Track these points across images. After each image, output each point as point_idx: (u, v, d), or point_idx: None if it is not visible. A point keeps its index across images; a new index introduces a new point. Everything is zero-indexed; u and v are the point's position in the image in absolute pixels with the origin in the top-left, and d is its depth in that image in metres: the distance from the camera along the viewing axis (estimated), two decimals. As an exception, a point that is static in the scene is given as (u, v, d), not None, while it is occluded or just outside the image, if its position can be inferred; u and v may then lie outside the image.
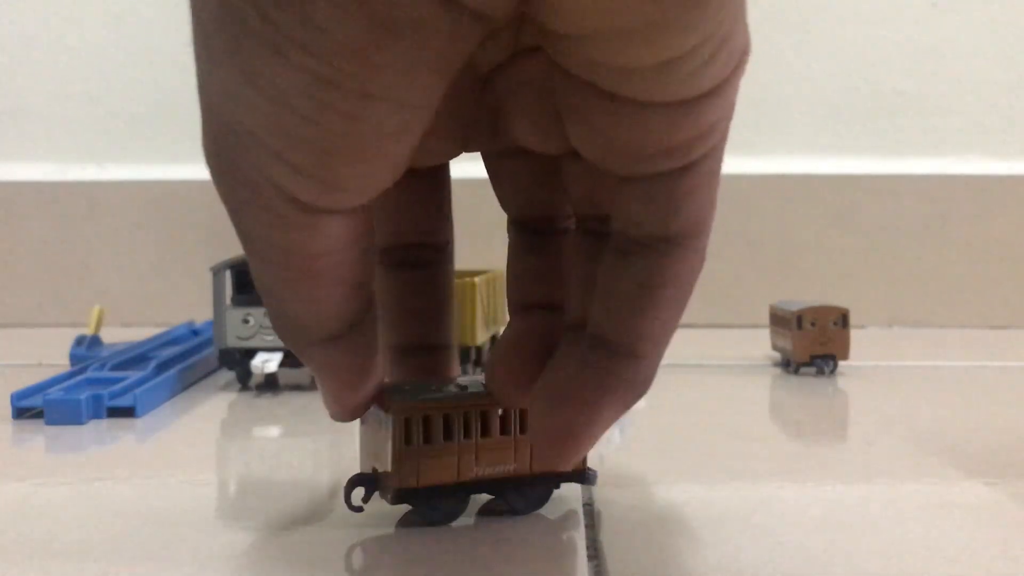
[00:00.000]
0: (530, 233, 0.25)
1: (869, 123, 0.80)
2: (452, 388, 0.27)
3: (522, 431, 0.27)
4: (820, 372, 0.52)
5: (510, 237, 0.26)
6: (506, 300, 0.26)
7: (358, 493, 0.27)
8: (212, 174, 0.19)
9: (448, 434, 0.26)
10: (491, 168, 0.25)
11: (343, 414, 0.25)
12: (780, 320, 0.54)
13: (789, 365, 0.53)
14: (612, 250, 0.21)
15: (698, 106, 0.18)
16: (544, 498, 0.29)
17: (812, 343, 0.52)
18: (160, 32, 0.82)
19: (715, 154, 0.19)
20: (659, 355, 0.21)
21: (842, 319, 0.52)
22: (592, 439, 0.22)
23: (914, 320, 0.78)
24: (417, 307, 0.26)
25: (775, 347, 0.56)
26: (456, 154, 0.23)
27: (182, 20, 0.72)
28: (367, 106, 0.16)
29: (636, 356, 0.21)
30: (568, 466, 0.22)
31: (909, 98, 0.80)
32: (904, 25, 0.80)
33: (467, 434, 0.27)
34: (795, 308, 0.52)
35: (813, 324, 0.52)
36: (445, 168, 0.25)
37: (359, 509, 0.27)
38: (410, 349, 0.27)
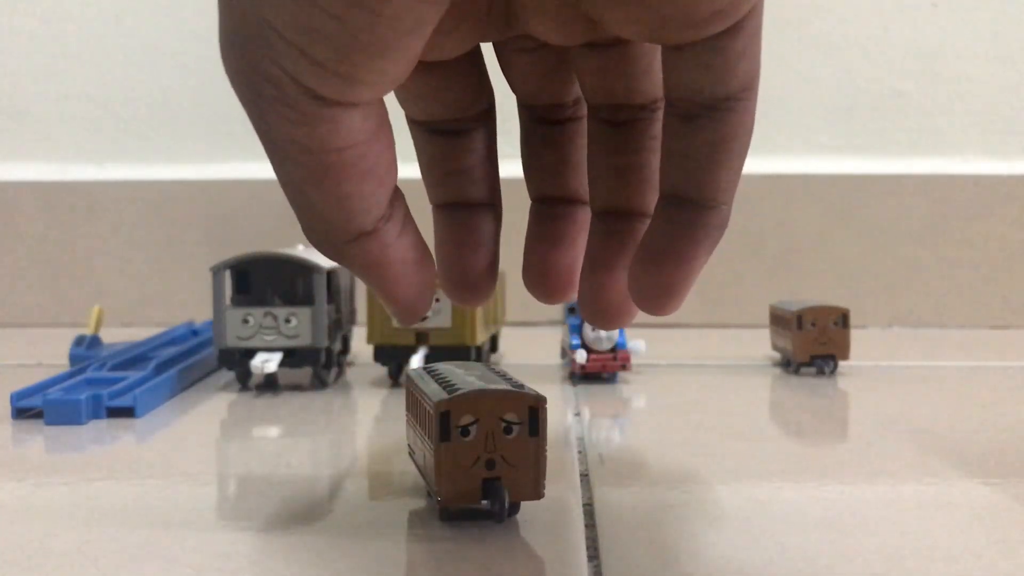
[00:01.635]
0: (541, 123, 0.26)
1: (869, 123, 0.80)
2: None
3: None
4: (820, 372, 0.52)
5: (521, 124, 0.26)
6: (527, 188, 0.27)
7: None
8: (230, 72, 0.20)
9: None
10: (503, 59, 0.25)
11: (403, 314, 0.25)
12: (780, 320, 0.54)
13: (789, 365, 0.53)
14: (675, 117, 0.23)
15: (722, 47, 0.20)
16: None
17: (812, 343, 0.52)
18: (160, 32, 0.82)
19: (757, 12, 0.21)
20: (733, 199, 0.24)
21: (842, 319, 0.52)
22: (690, 287, 0.24)
23: (914, 320, 0.78)
24: (455, 167, 0.26)
25: (775, 347, 0.56)
26: (470, 46, 0.24)
27: (182, 20, 0.72)
28: (388, 2, 0.17)
29: (717, 204, 0.23)
30: (671, 313, 0.24)
31: (909, 98, 0.80)
32: (904, 25, 0.80)
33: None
34: (795, 308, 0.52)
35: (813, 324, 0.52)
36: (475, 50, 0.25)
37: None
38: (450, 207, 0.26)
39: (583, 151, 0.26)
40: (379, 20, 0.18)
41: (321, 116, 0.19)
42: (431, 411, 0.26)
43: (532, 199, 0.27)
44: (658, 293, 0.24)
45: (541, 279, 0.26)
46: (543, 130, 0.26)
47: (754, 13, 0.21)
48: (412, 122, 0.26)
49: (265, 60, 0.19)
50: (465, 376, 0.28)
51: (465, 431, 0.26)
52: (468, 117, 0.26)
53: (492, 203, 0.26)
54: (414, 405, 0.30)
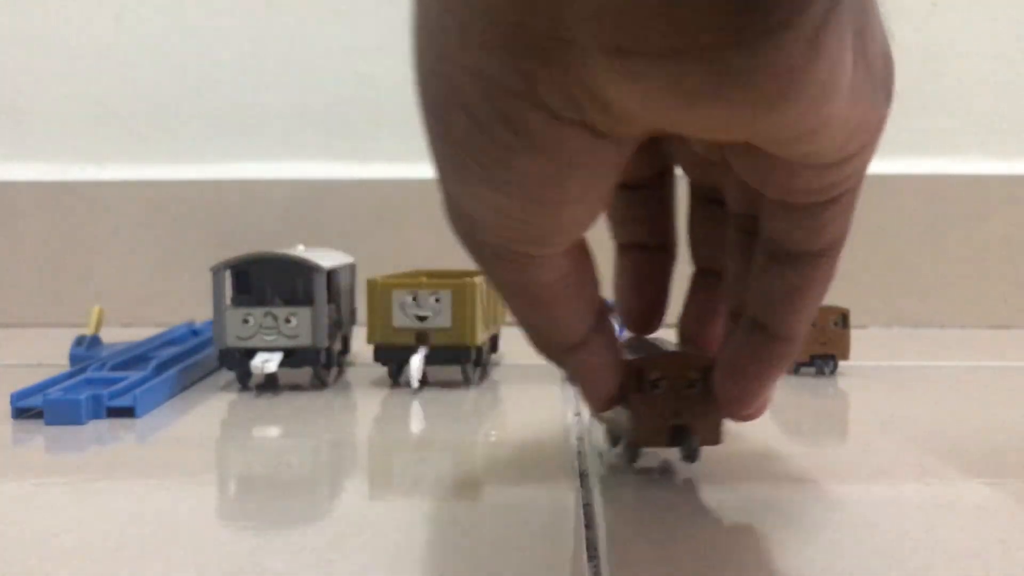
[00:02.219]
0: (635, 189, 0.31)
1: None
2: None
3: None
4: (820, 372, 0.52)
5: (621, 194, 0.31)
6: (615, 239, 0.32)
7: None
8: (459, 238, 0.25)
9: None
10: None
11: (599, 404, 0.30)
12: None
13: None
14: (765, 252, 0.26)
15: (837, 166, 0.22)
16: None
17: (812, 343, 0.52)
18: (161, 32, 0.82)
19: (854, 190, 0.24)
20: (805, 333, 0.27)
21: (842, 319, 0.52)
22: (764, 396, 0.28)
23: (914, 320, 0.78)
24: (636, 215, 0.32)
25: None
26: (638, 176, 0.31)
27: (183, 21, 0.72)
28: (562, 209, 0.22)
29: (790, 339, 0.27)
30: (748, 417, 0.29)
31: (909, 98, 0.80)
32: (904, 25, 0.80)
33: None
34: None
35: (813, 324, 0.52)
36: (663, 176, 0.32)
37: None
38: (630, 246, 0.32)
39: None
40: (556, 219, 0.22)
41: (529, 263, 0.24)
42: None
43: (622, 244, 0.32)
44: (737, 399, 0.28)
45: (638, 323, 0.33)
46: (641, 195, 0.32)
47: (850, 191, 0.24)
48: None
49: (479, 236, 0.24)
50: (647, 346, 0.32)
51: (655, 384, 0.30)
52: (647, 177, 0.31)
53: (667, 247, 0.32)
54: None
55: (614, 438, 0.35)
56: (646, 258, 0.32)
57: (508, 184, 0.21)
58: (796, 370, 0.53)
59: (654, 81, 0.17)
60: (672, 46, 0.17)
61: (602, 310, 0.28)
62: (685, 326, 0.32)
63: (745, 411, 0.28)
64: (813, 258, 0.25)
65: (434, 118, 0.22)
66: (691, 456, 0.31)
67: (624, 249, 0.32)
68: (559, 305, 0.26)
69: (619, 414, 0.32)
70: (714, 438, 0.31)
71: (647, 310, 0.32)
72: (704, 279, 0.32)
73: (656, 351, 0.31)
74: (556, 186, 0.21)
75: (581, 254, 0.26)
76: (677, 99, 0.18)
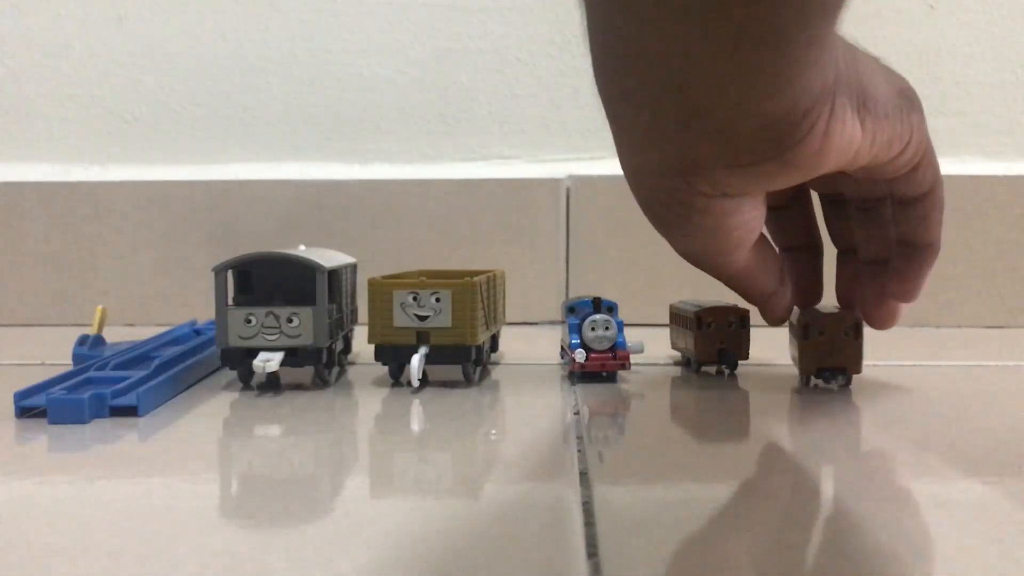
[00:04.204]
0: (783, 209, 0.48)
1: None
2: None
3: None
4: (829, 386, 0.49)
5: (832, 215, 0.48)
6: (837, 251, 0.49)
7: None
8: (689, 261, 0.39)
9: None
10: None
11: (780, 321, 0.46)
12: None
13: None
14: (896, 203, 0.43)
15: (892, 162, 0.37)
16: None
17: (820, 354, 0.47)
18: (163, 33, 0.82)
19: (925, 152, 0.39)
20: (940, 236, 0.44)
21: (854, 329, 0.47)
22: (921, 290, 0.44)
23: (914, 320, 0.78)
24: (785, 228, 0.48)
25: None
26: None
27: (185, 22, 0.72)
28: (728, 239, 0.36)
29: (931, 244, 0.44)
30: (910, 302, 0.45)
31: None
32: (902, 27, 0.80)
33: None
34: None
35: (822, 332, 0.47)
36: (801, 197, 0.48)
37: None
38: (787, 249, 0.49)
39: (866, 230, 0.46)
40: (728, 246, 0.37)
41: (727, 261, 0.39)
42: (691, 317, 0.52)
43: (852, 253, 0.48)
44: (908, 297, 0.44)
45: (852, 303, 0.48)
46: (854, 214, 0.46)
47: (923, 156, 0.39)
48: None
49: (692, 257, 0.38)
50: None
51: (708, 325, 0.51)
52: (789, 198, 0.47)
53: (814, 245, 0.48)
54: (677, 318, 0.56)
55: (686, 359, 0.55)
56: (800, 255, 0.48)
57: (695, 231, 0.35)
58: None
59: (745, 176, 0.32)
60: (751, 161, 0.31)
61: (783, 268, 0.44)
62: (839, 292, 0.48)
63: (912, 299, 0.44)
64: (925, 196, 0.41)
65: (645, 207, 0.35)
66: (733, 366, 0.52)
67: (784, 252, 0.48)
68: (756, 276, 0.42)
69: (689, 344, 0.53)
70: (744, 356, 0.52)
71: (808, 290, 0.48)
72: (843, 256, 0.48)
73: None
74: (722, 226, 0.35)
75: (763, 244, 0.41)
76: (759, 183, 0.32)
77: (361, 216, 0.80)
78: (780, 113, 0.29)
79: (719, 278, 0.41)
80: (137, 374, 0.46)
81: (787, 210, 0.47)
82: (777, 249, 0.46)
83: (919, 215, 0.42)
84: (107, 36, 0.82)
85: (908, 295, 0.44)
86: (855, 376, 0.48)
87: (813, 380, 0.48)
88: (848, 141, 0.31)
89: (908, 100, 0.36)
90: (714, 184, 0.32)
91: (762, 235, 0.40)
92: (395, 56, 0.82)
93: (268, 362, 0.47)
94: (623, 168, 0.34)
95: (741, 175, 0.31)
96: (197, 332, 0.64)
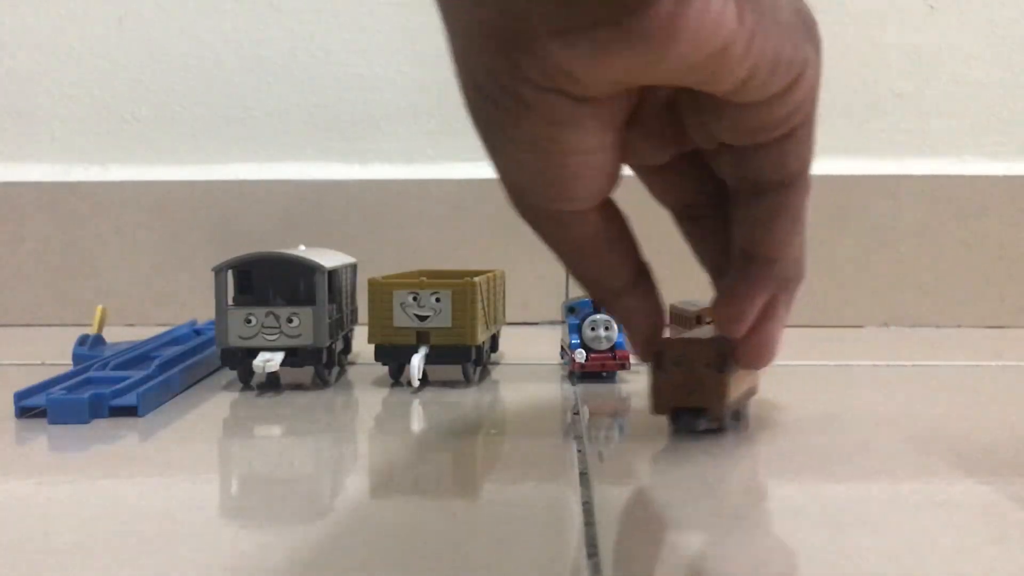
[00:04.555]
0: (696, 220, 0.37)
1: (868, 123, 0.81)
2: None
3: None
4: (677, 429, 0.45)
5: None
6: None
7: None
8: (517, 211, 0.31)
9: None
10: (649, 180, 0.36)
11: (642, 347, 0.36)
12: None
13: None
14: (747, 194, 0.32)
15: (774, 101, 0.28)
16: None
17: (676, 389, 0.43)
18: (162, 34, 0.82)
19: (806, 125, 0.30)
20: (790, 258, 0.33)
21: (718, 360, 0.36)
22: (752, 317, 0.34)
23: (912, 320, 0.78)
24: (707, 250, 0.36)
25: None
26: (662, 158, 0.33)
27: (184, 21, 0.72)
28: (567, 160, 0.28)
29: (771, 260, 0.32)
30: (739, 334, 0.34)
31: (907, 99, 0.80)
32: (902, 27, 0.80)
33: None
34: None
35: (678, 363, 0.37)
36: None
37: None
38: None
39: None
40: (566, 168, 0.28)
41: (569, 220, 0.31)
42: (692, 317, 0.47)
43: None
44: (734, 319, 0.33)
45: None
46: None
47: (803, 125, 0.30)
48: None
49: (525, 200, 0.30)
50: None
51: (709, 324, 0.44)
52: (672, 155, 0.34)
53: (717, 204, 0.36)
54: (678, 318, 0.50)
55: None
56: (702, 220, 0.37)
57: (522, 142, 0.27)
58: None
59: (580, 57, 0.25)
60: (591, 21, 0.24)
61: (643, 268, 0.34)
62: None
63: (740, 328, 0.34)
64: (782, 188, 0.31)
65: (467, 101, 0.28)
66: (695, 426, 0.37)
67: (685, 220, 0.38)
68: (599, 256, 0.32)
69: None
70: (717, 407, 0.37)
71: (719, 266, 0.36)
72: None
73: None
74: (556, 140, 0.27)
75: (613, 216, 0.32)
76: (603, 58, 0.25)
77: (361, 216, 0.80)
78: None
79: (555, 248, 0.32)
80: (137, 374, 0.46)
81: (675, 166, 0.35)
82: (673, 214, 0.37)
83: (766, 214, 0.32)
84: (107, 36, 0.82)
85: (735, 322, 0.33)
86: (855, 375, 0.48)
87: (671, 424, 0.38)
88: (715, 24, 0.24)
89: (807, 26, 0.28)
90: (544, 67, 0.25)
91: (619, 215, 0.33)
92: (395, 56, 0.82)
93: (268, 362, 0.47)
94: (453, 57, 0.28)
95: (575, 56, 0.25)
96: (197, 332, 0.64)
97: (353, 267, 0.58)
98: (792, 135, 0.30)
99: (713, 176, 0.34)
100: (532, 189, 0.30)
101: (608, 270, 0.33)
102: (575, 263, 0.33)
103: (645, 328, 0.35)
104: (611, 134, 0.29)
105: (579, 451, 0.37)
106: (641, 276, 0.34)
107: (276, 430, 0.42)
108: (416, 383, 0.48)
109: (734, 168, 0.32)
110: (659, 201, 0.36)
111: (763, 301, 0.33)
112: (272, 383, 0.49)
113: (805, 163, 0.31)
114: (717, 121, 0.30)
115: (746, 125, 0.29)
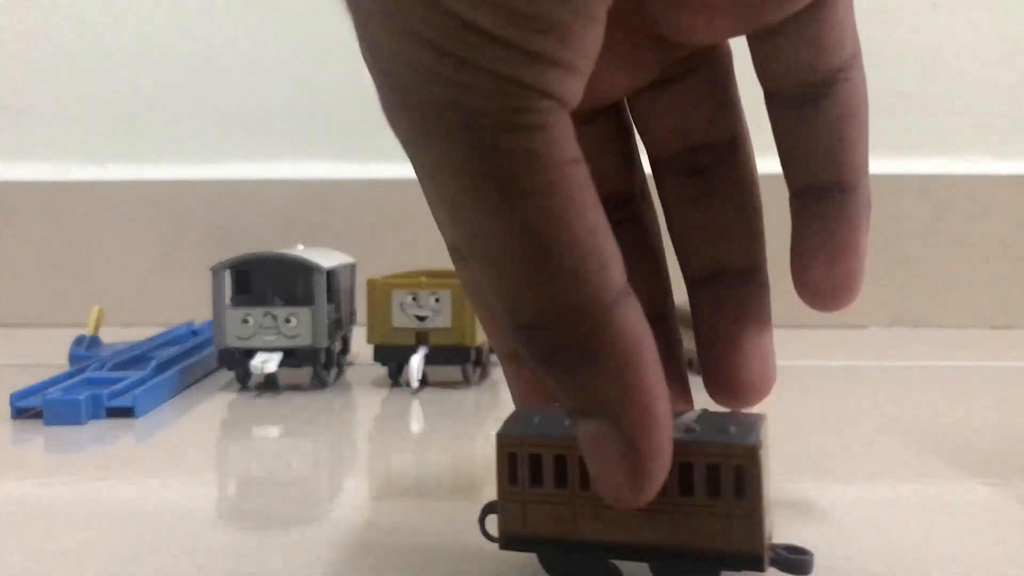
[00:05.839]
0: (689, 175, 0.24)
1: (871, 123, 0.80)
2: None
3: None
4: None
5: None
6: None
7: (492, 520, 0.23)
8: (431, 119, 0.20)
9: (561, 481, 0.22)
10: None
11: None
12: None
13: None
14: (788, 107, 0.22)
15: (817, 15, 0.21)
16: None
17: None
18: (160, 32, 0.82)
19: (858, 70, 0.22)
20: (867, 178, 0.23)
21: None
22: (863, 273, 0.23)
23: (914, 320, 0.78)
24: (700, 223, 0.24)
25: None
26: (631, 87, 0.23)
27: (182, 21, 0.72)
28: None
29: (859, 182, 0.23)
30: (851, 301, 0.24)
31: (909, 98, 0.80)
32: (904, 25, 0.80)
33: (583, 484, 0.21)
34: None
35: None
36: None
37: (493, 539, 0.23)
38: (704, 280, 0.25)
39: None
40: None
41: (539, 128, 0.19)
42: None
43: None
44: (841, 289, 0.24)
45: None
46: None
47: None
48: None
49: (483, 58, 0.18)
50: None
51: None
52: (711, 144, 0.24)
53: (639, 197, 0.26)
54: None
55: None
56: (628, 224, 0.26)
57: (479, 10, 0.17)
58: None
59: None
60: None
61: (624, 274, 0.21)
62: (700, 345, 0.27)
63: (850, 295, 0.24)
64: (845, 72, 0.22)
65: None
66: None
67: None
68: (582, 210, 0.19)
69: None
70: None
71: (648, 289, 0.26)
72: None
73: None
74: None
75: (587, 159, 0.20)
76: None
77: (360, 216, 0.80)
78: None
79: (506, 204, 0.20)
80: (134, 375, 0.46)
81: (602, 116, 0.24)
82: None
83: (837, 125, 0.22)
84: (106, 36, 0.82)
85: (850, 288, 0.24)
86: (855, 376, 0.48)
87: None
88: None
89: None
90: None
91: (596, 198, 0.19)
92: (394, 55, 0.82)
93: (266, 363, 0.47)
94: None
95: None
96: (194, 332, 0.64)
97: (352, 267, 0.57)
98: (833, 2, 0.21)
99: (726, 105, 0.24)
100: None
101: (596, 240, 0.20)
102: (543, 227, 0.19)
103: (647, 351, 0.20)
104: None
105: (579, 452, 0.36)
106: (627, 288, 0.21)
107: (274, 431, 0.42)
108: (415, 384, 0.48)
109: (779, 62, 0.22)
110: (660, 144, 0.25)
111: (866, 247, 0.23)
112: (270, 384, 0.49)
113: (855, 43, 0.22)
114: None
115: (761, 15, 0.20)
